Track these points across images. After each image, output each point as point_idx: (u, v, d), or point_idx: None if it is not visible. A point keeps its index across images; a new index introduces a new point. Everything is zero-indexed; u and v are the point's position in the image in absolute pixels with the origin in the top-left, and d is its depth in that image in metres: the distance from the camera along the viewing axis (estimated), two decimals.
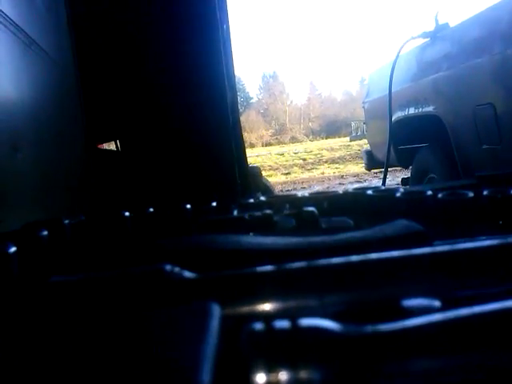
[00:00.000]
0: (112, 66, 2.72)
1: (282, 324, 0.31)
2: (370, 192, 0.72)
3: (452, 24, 3.27)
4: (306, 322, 0.31)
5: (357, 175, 12.70)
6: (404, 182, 4.38)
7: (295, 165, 17.84)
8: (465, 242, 0.44)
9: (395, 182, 7.15)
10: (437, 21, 3.30)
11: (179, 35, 2.70)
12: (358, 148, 19.01)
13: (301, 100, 58.39)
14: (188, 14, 2.73)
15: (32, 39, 1.85)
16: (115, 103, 2.77)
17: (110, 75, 2.73)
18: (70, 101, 2.32)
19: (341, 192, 0.76)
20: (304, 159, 19.66)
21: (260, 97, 59.96)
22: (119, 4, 2.69)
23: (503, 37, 2.61)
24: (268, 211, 0.67)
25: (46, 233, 0.72)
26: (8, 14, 1.58)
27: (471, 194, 0.64)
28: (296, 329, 0.30)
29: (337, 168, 15.55)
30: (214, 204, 0.79)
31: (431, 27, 3.33)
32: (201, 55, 2.73)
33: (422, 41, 3.52)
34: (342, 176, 13.05)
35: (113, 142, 3.33)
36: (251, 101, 60.48)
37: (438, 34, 3.32)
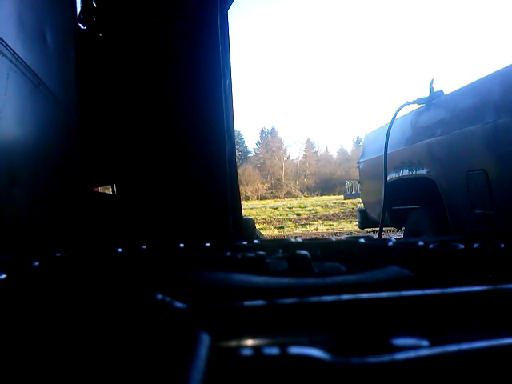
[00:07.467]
0: (113, 112, 2.78)
1: (271, 350, 0.30)
2: (362, 240, 0.73)
3: (446, 91, 3.40)
4: (295, 349, 0.30)
5: (350, 233, 12.69)
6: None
7: (289, 219, 17.85)
8: (454, 287, 0.44)
9: None
10: (431, 88, 3.44)
11: (183, 86, 2.79)
12: (352, 206, 19.14)
13: (297, 156, 59.17)
14: (193, 67, 2.83)
15: (40, 80, 1.91)
16: (114, 147, 2.81)
17: (111, 121, 2.78)
18: (69, 140, 2.36)
19: (333, 239, 0.77)
20: (298, 214, 19.71)
21: (258, 151, 60.80)
22: (126, 52, 2.79)
23: (495, 107, 2.71)
24: (261, 252, 0.67)
25: (36, 263, 0.72)
26: (20, 54, 1.64)
27: (462, 246, 0.65)
28: (285, 355, 0.30)
29: (330, 225, 15.56)
30: (208, 244, 0.80)
31: (426, 93, 3.46)
32: (203, 107, 2.81)
33: (416, 106, 3.64)
34: (336, 233, 13.03)
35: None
36: (249, 155, 61.31)
37: (432, 100, 3.44)
